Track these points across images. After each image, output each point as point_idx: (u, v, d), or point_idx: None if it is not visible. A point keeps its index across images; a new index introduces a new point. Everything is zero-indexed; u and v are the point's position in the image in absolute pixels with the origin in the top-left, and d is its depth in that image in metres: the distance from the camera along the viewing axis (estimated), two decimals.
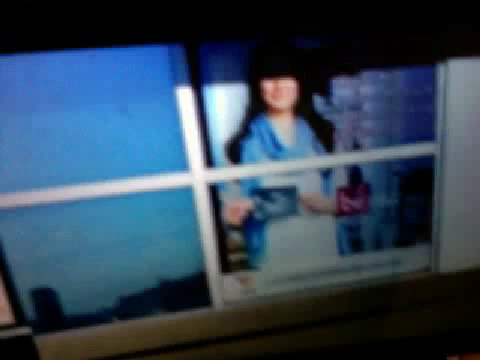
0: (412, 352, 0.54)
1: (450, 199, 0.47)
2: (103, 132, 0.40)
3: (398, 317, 0.52)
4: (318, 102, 0.42)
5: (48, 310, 0.45)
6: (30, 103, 0.38)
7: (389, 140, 0.44)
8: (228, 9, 0.36)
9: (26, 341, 0.46)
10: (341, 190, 0.45)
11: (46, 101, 0.38)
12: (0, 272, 0.43)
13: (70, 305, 0.45)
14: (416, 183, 0.46)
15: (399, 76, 0.42)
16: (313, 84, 0.41)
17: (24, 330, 0.46)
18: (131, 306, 0.46)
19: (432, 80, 0.42)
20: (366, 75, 0.41)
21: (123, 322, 0.47)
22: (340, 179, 0.45)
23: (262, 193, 0.44)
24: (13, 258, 0.42)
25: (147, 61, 0.38)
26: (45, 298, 0.45)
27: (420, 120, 0.44)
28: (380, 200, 0.46)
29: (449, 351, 0.55)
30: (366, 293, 0.50)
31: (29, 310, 0.45)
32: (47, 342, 0.46)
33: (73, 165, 0.40)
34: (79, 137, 0.40)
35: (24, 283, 0.44)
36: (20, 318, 0.45)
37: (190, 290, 0.47)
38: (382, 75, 0.42)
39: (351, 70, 0.41)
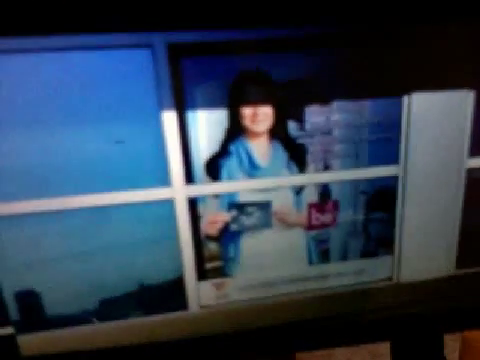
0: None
1: (410, 215, 0.51)
2: (92, 149, 0.42)
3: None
4: (292, 127, 0.45)
5: (31, 311, 0.47)
6: (19, 118, 0.40)
7: (356, 162, 0.47)
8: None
9: (9, 340, 0.48)
10: (312, 206, 0.49)
11: (31, 116, 0.40)
12: None
13: (52, 306, 0.48)
14: (380, 200, 0.50)
15: (366, 105, 0.45)
16: (288, 111, 0.44)
17: (7, 330, 0.48)
18: (111, 308, 0.49)
19: (396, 110, 0.46)
20: (336, 104, 0.45)
21: (103, 323, 0.49)
22: (311, 196, 0.48)
23: (238, 207, 0.47)
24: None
25: (133, 84, 0.41)
26: (28, 300, 0.47)
27: (385, 145, 0.47)
28: (347, 215, 0.50)
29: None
30: (332, 299, 0.54)
31: (13, 311, 0.47)
32: (29, 341, 0.48)
33: (61, 178, 0.43)
34: (68, 152, 0.42)
35: (9, 285, 0.46)
36: (4, 318, 0.47)
37: (168, 295, 0.50)
38: (351, 104, 0.45)
39: (322, 99, 0.44)
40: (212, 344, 0.53)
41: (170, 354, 0.52)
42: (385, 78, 0.45)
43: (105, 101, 0.41)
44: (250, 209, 0.48)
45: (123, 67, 0.40)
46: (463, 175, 0.50)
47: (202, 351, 0.53)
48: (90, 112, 0.41)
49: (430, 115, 0.47)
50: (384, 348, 0.67)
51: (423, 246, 0.53)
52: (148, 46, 0.39)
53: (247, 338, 0.53)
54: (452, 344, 0.80)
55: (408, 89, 0.45)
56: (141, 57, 0.40)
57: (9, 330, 0.48)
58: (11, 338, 0.48)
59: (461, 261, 0.55)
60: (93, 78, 0.40)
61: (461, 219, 0.52)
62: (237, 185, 0.46)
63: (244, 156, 0.45)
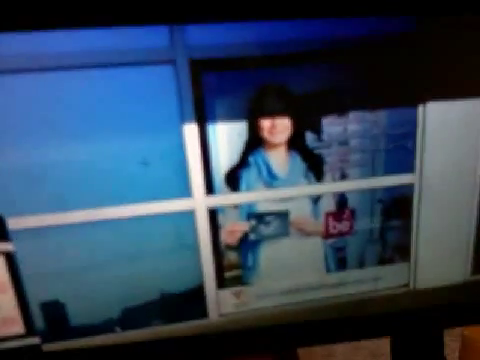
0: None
1: (426, 223, 0.52)
2: (114, 163, 0.43)
3: None
4: (310, 138, 0.46)
5: (56, 321, 0.49)
6: (45, 130, 0.41)
7: (373, 171, 0.48)
8: None
9: (35, 350, 0.50)
10: (329, 215, 0.50)
11: (55, 132, 0.41)
12: (14, 287, 0.46)
13: (76, 316, 0.49)
14: (397, 209, 0.51)
15: (383, 116, 0.46)
16: (305, 122, 0.46)
17: (33, 340, 0.49)
18: (133, 317, 0.50)
19: (412, 120, 0.47)
20: (353, 115, 0.46)
21: (125, 332, 0.50)
22: (328, 205, 0.49)
23: (257, 217, 0.48)
24: (26, 273, 0.46)
25: (155, 98, 0.42)
26: (53, 310, 0.48)
27: (400, 154, 0.48)
28: (364, 223, 0.51)
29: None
30: (349, 307, 0.54)
31: (39, 321, 0.48)
32: (54, 351, 0.50)
33: (84, 191, 0.44)
34: (90, 166, 0.43)
35: (35, 296, 0.47)
36: (30, 328, 0.48)
37: (188, 303, 0.51)
38: (367, 115, 0.46)
39: (339, 110, 0.45)
40: (211, 342, 0.53)
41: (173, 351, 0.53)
42: (401, 88, 0.45)
43: (128, 115, 0.42)
44: (268, 218, 0.49)
45: (146, 82, 0.41)
46: (478, 182, 0.51)
47: (201, 348, 0.53)
48: (112, 126, 0.42)
49: (445, 124, 0.47)
50: (385, 348, 0.68)
51: (439, 253, 0.54)
52: (170, 62, 0.40)
53: (247, 335, 0.54)
54: (452, 344, 0.80)
55: (424, 98, 0.46)
56: (163, 73, 0.41)
57: (35, 340, 0.49)
58: (37, 348, 0.49)
59: (476, 267, 0.55)
60: (116, 94, 0.41)
61: (476, 226, 0.53)
62: (256, 195, 0.47)
63: (263, 167, 0.46)
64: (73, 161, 0.43)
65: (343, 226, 0.50)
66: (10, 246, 0.44)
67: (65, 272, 0.47)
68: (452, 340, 0.80)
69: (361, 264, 0.53)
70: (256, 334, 0.54)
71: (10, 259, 0.45)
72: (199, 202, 0.46)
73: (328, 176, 0.48)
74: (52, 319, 0.48)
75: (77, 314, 0.49)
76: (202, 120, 0.43)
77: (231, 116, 0.43)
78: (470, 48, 0.45)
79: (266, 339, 0.55)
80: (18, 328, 0.48)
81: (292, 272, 0.52)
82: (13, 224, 0.43)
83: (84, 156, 0.43)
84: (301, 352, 0.71)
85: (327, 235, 0.50)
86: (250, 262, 0.50)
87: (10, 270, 0.45)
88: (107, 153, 0.43)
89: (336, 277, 0.53)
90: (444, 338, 0.63)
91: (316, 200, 0.49)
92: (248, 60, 0.42)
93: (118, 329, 0.50)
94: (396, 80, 0.45)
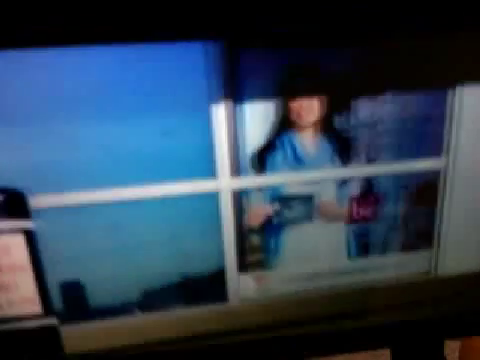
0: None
1: (452, 210, 0.51)
2: (138, 140, 0.43)
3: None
4: (338, 121, 0.45)
5: (74, 302, 0.48)
6: (65, 110, 0.41)
7: (400, 155, 0.48)
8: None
9: (52, 330, 0.49)
10: (354, 199, 0.49)
11: (78, 110, 0.41)
12: (33, 266, 0.46)
13: (95, 297, 0.49)
14: (422, 194, 0.50)
15: (413, 99, 0.45)
16: (334, 105, 0.45)
17: (51, 320, 0.49)
18: (153, 299, 0.50)
19: (444, 103, 0.46)
20: (382, 97, 0.45)
21: (144, 314, 0.50)
22: (353, 189, 0.49)
23: (281, 200, 0.48)
24: (46, 254, 0.45)
25: (184, 76, 0.41)
26: (72, 291, 0.48)
27: (430, 138, 0.48)
28: (388, 209, 0.50)
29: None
30: (371, 292, 0.54)
31: (57, 301, 0.48)
32: (72, 332, 0.49)
33: (108, 169, 0.43)
34: (114, 145, 0.43)
35: (54, 276, 0.47)
36: (48, 309, 0.48)
37: (209, 286, 0.51)
38: (397, 98, 0.45)
39: (369, 93, 0.45)
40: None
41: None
42: (432, 71, 0.45)
43: (155, 93, 0.41)
44: (293, 202, 0.48)
45: (175, 60, 0.40)
46: None
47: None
48: (140, 105, 0.41)
49: (476, 108, 0.47)
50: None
51: (462, 241, 0.53)
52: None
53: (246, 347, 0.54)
54: (452, 344, 0.80)
55: (455, 82, 0.45)
56: (193, 50, 0.40)
57: (52, 320, 0.49)
58: (53, 329, 0.49)
59: None
60: (143, 70, 0.40)
61: None
62: (282, 178, 0.47)
63: (289, 149, 0.46)
64: (95, 139, 0.42)
65: (367, 211, 0.50)
66: (30, 224, 0.44)
67: (85, 253, 0.46)
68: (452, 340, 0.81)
69: (384, 250, 0.52)
70: (252, 347, 0.54)
71: (30, 237, 0.44)
72: (224, 183, 0.45)
73: (354, 160, 0.47)
74: (71, 300, 0.48)
75: (96, 295, 0.48)
76: (230, 100, 0.42)
77: (260, 96, 0.43)
78: None
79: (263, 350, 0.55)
80: (36, 308, 0.48)
81: (314, 257, 0.51)
82: (35, 203, 0.43)
83: (106, 135, 0.42)
84: None
85: (351, 220, 0.50)
86: (273, 246, 0.50)
87: (30, 249, 0.45)
88: (133, 131, 0.42)
89: (358, 263, 0.52)
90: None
91: (342, 184, 0.48)
92: (278, 39, 0.41)
93: (138, 311, 0.50)
94: (429, 62, 0.44)
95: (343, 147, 0.46)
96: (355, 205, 0.49)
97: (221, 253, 0.49)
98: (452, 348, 0.80)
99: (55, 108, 0.40)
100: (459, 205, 0.51)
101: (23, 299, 0.47)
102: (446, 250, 0.54)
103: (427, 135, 0.48)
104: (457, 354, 0.75)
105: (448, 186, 0.50)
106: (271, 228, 0.49)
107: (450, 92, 0.46)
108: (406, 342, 0.60)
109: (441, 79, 0.46)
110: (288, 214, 0.48)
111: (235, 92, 0.42)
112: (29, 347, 0.49)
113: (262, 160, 0.45)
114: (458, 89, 0.46)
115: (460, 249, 0.54)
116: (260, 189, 0.47)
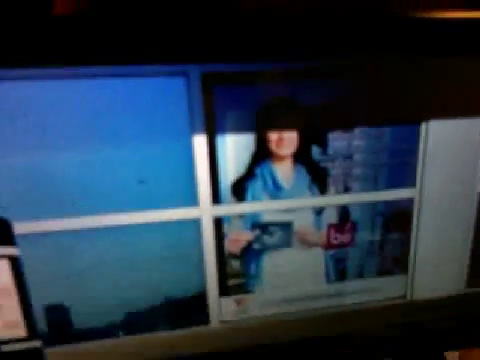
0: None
1: (425, 236, 0.53)
2: (123, 170, 0.44)
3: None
4: (315, 151, 0.47)
5: (59, 325, 0.49)
6: (52, 140, 0.42)
7: (375, 185, 0.50)
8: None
9: (37, 354, 0.50)
10: (331, 226, 0.51)
11: (65, 139, 0.42)
12: (18, 290, 0.47)
13: (80, 320, 0.49)
14: (397, 222, 0.52)
15: (386, 132, 0.48)
16: (311, 136, 0.47)
17: (35, 343, 0.49)
18: (136, 322, 0.51)
19: (414, 136, 0.48)
20: (358, 130, 0.47)
21: (128, 336, 0.51)
22: (331, 217, 0.51)
23: (261, 227, 0.49)
24: (30, 277, 0.46)
25: (166, 109, 0.43)
26: (57, 313, 0.48)
27: (402, 169, 0.50)
28: (365, 236, 0.52)
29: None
30: (348, 316, 0.55)
31: (41, 325, 0.48)
32: (56, 354, 0.50)
33: (92, 197, 0.45)
34: (99, 173, 0.44)
35: (38, 299, 0.47)
36: (32, 332, 0.49)
37: (191, 309, 0.52)
38: (372, 130, 0.47)
39: (344, 125, 0.47)
40: None
41: None
42: (404, 105, 0.47)
43: (139, 124, 0.43)
44: (272, 229, 0.50)
45: (158, 93, 0.42)
46: (476, 199, 0.52)
47: None
48: (123, 135, 0.43)
49: (446, 141, 0.49)
50: None
51: (436, 266, 0.55)
52: (183, 74, 0.42)
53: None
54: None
55: (425, 116, 0.48)
56: (175, 85, 0.42)
57: (37, 343, 0.49)
58: (38, 351, 0.50)
59: (471, 280, 0.57)
60: (128, 103, 0.42)
61: (473, 241, 0.54)
62: (261, 206, 0.48)
63: (268, 178, 0.47)
64: (80, 168, 0.43)
65: (344, 238, 0.51)
66: (15, 250, 0.45)
67: (70, 276, 0.47)
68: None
69: (361, 275, 0.54)
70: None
71: (15, 263, 0.45)
72: (205, 211, 0.47)
73: (332, 189, 0.49)
74: (55, 322, 0.49)
75: (81, 318, 0.49)
76: (211, 132, 0.44)
77: (239, 128, 0.45)
78: (470, 70, 0.47)
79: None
80: (21, 331, 0.48)
81: (293, 282, 0.53)
82: (19, 229, 0.44)
83: (91, 163, 0.44)
84: None
85: (329, 246, 0.52)
86: (253, 271, 0.51)
87: (15, 274, 0.46)
88: (116, 160, 0.44)
89: (336, 287, 0.54)
90: None
91: (319, 212, 0.50)
92: (256, 74, 0.43)
93: (121, 333, 0.50)
94: (399, 97, 0.47)
95: (320, 177, 0.48)
96: (332, 231, 0.51)
97: (203, 277, 0.50)
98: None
99: (37, 138, 0.42)
100: (432, 232, 0.53)
101: (8, 323, 0.48)
102: (421, 275, 0.55)
103: (400, 166, 0.49)
104: (457, 354, 0.75)
105: (422, 213, 0.52)
106: (251, 253, 0.50)
107: (420, 126, 0.48)
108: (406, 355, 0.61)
109: (411, 113, 0.48)
110: (268, 240, 0.50)
111: (215, 124, 0.44)
112: None
113: (242, 188, 0.47)
114: (426, 123, 0.48)
115: (434, 274, 0.56)
116: (240, 216, 0.48)
